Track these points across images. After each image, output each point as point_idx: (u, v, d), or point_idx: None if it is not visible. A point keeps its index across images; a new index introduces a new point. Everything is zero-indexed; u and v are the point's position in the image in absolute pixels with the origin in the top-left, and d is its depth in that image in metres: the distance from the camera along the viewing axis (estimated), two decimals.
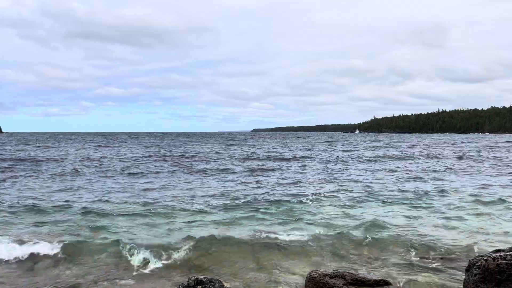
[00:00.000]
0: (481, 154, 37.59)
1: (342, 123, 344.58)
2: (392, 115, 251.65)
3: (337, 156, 35.28)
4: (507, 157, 33.89)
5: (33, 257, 7.44)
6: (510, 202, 12.77)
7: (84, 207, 11.66)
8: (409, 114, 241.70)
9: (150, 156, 34.77)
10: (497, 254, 5.87)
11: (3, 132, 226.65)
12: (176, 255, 7.49)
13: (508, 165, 26.16)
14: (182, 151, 43.67)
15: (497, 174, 21.06)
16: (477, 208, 11.94)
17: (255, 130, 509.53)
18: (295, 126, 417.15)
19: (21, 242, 8.09)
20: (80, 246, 7.93)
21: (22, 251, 7.64)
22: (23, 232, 9.11)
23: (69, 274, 6.77)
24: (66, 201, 12.94)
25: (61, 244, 7.84)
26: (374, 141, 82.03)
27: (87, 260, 7.35)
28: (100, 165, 26.41)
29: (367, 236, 8.74)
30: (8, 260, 7.32)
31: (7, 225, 9.77)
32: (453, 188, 16.00)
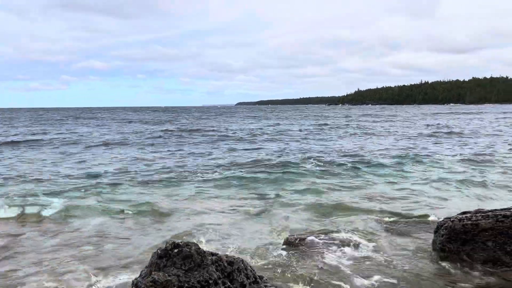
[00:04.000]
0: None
1: (326, 95, 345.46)
2: (376, 87, 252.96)
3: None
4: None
5: None
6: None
7: None
8: (393, 86, 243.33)
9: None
10: (463, 216, 6.19)
11: None
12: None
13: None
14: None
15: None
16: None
17: (239, 104, 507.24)
18: (280, 99, 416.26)
19: None
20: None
21: None
22: None
23: None
24: None
25: None
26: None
27: None
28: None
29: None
30: None
31: None
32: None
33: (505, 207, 6.39)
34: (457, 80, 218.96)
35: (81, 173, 13.43)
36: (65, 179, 12.35)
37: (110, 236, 7.38)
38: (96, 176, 12.85)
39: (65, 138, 27.18)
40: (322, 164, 14.86)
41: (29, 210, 8.91)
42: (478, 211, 6.31)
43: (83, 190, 10.79)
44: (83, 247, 6.79)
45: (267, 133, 31.18)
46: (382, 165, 14.32)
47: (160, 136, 28.85)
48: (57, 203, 9.45)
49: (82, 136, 29.66)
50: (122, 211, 8.85)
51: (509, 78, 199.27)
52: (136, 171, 13.75)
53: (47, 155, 18.68)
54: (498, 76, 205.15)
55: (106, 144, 23.54)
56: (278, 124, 45.59)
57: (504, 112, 70.25)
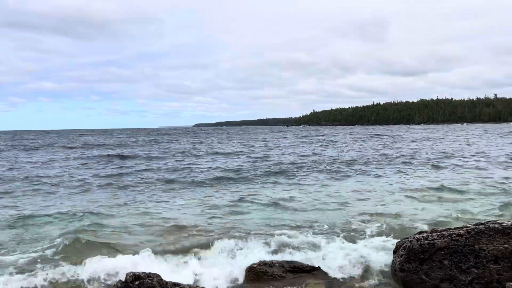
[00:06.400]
0: None
1: (283, 116, 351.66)
2: (330, 108, 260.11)
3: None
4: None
5: None
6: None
7: None
8: (347, 107, 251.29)
9: None
10: (421, 235, 6.37)
11: None
12: None
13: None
14: None
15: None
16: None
17: (197, 125, 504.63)
18: (238, 120, 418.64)
19: None
20: None
21: None
22: None
23: None
24: None
25: None
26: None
27: None
28: None
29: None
30: None
31: None
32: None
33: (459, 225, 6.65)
34: (407, 102, 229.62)
35: None
36: None
37: None
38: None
39: None
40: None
41: None
42: (433, 230, 6.53)
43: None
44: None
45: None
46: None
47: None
48: None
49: None
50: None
51: (453, 99, 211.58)
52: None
53: None
54: (443, 98, 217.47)
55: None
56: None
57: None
